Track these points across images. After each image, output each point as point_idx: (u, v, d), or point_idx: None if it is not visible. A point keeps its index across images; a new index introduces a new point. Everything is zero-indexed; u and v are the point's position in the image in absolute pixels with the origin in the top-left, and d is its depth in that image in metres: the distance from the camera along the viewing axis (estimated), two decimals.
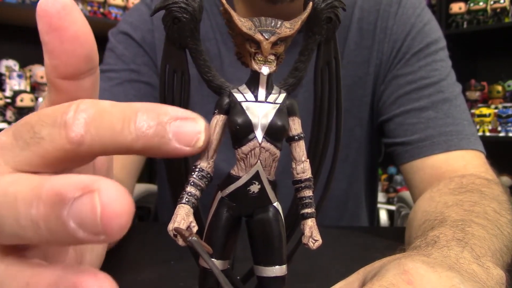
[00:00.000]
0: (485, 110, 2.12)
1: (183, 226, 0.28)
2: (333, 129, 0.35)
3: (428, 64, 0.70)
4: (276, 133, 0.30)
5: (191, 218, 0.29)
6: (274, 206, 0.31)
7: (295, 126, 0.31)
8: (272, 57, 0.29)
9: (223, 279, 0.25)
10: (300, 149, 0.31)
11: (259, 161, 0.30)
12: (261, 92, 0.30)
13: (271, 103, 0.30)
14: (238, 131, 0.30)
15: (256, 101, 0.30)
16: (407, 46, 0.71)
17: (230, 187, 0.31)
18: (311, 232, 0.30)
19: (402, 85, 0.70)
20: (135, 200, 0.96)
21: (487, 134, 2.10)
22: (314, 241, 0.30)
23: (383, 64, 0.73)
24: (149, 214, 1.24)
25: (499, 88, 2.23)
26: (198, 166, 0.31)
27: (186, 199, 0.29)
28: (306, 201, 0.31)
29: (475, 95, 2.24)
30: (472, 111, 2.13)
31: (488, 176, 0.61)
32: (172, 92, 0.34)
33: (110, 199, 0.18)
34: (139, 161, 0.72)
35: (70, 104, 0.22)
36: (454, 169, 0.63)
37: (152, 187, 1.23)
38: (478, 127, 2.11)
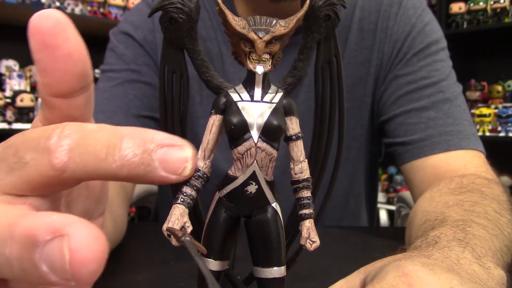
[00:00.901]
0: (485, 110, 2.12)
1: (177, 226, 0.28)
2: (335, 129, 0.34)
3: (429, 64, 0.70)
4: (272, 133, 0.29)
5: (186, 218, 0.29)
6: (273, 207, 0.31)
7: (293, 125, 0.30)
8: (267, 56, 0.29)
9: (210, 279, 0.25)
10: (298, 149, 0.31)
11: (255, 161, 0.30)
12: (257, 91, 0.30)
13: (267, 102, 0.30)
14: (233, 131, 0.29)
15: (252, 100, 0.30)
16: (407, 46, 0.71)
17: (227, 188, 0.31)
18: (309, 233, 0.29)
19: (402, 85, 0.70)
20: (135, 200, 0.95)
21: (487, 134, 2.10)
22: (311, 243, 0.30)
23: (383, 64, 0.73)
24: (149, 214, 1.24)
25: (499, 88, 2.23)
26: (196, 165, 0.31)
27: (181, 199, 0.29)
28: (304, 201, 0.30)
29: (475, 95, 2.24)
30: (472, 111, 2.13)
31: (488, 176, 0.61)
32: (171, 93, 0.34)
33: (79, 245, 0.17)
34: None
35: (54, 128, 0.21)
36: (455, 169, 0.63)
37: (152, 187, 1.23)
38: (478, 127, 2.11)
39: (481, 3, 2.20)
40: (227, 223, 0.31)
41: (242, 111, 0.30)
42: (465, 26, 2.27)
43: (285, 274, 0.31)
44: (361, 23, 0.74)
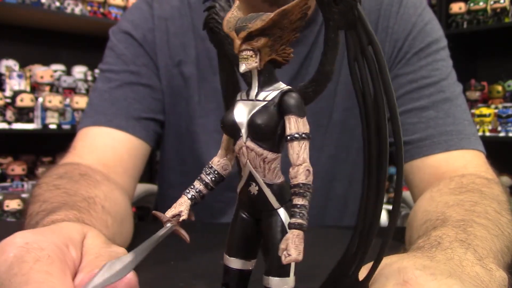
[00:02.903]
0: (485, 110, 2.12)
1: (170, 213, 0.30)
2: (386, 127, 0.28)
3: (429, 63, 0.70)
4: (256, 132, 0.28)
5: (182, 208, 0.30)
6: (278, 213, 0.30)
7: (290, 125, 0.28)
8: (249, 53, 0.28)
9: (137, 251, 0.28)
10: (293, 151, 0.28)
11: (248, 161, 0.29)
12: (253, 90, 0.29)
13: (260, 101, 0.29)
14: (224, 130, 0.30)
15: (247, 99, 0.29)
16: (408, 46, 0.71)
17: (238, 186, 0.31)
18: (286, 245, 0.26)
19: (403, 85, 0.70)
20: (135, 200, 0.95)
21: (487, 134, 2.09)
22: (286, 255, 0.26)
23: None
24: (149, 214, 1.24)
25: (499, 88, 2.23)
26: (210, 162, 0.32)
27: (187, 191, 0.31)
28: (294, 209, 0.27)
29: (475, 95, 2.23)
30: (472, 111, 2.13)
31: (488, 175, 0.61)
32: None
33: None
34: (140, 166, 0.72)
35: None
36: (454, 169, 0.63)
37: (152, 187, 1.23)
38: (478, 127, 2.10)
39: (481, 3, 2.20)
40: (244, 222, 0.31)
41: (234, 109, 0.29)
42: (465, 26, 2.27)
43: (286, 286, 0.29)
44: None
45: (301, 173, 0.27)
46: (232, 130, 0.29)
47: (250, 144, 0.29)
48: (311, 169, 0.27)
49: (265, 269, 0.30)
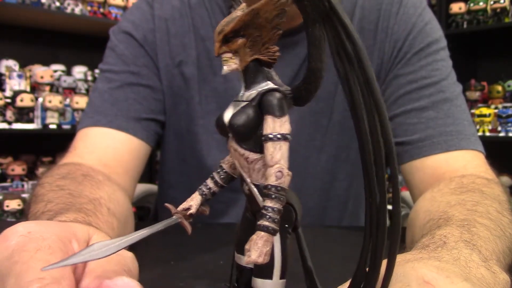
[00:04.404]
0: (485, 110, 2.12)
1: (181, 207, 0.32)
2: (378, 127, 0.26)
3: (429, 63, 0.70)
4: (234, 132, 0.28)
5: (192, 203, 0.32)
6: None
7: (266, 126, 0.27)
8: (228, 55, 0.28)
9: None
10: (267, 152, 0.27)
11: (236, 160, 0.30)
12: (241, 91, 0.29)
13: (244, 101, 0.29)
14: (218, 130, 0.30)
15: (237, 100, 0.29)
16: (408, 46, 0.71)
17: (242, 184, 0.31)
18: (249, 246, 0.26)
19: (402, 85, 0.70)
20: (135, 200, 0.95)
21: (487, 134, 2.09)
22: (248, 256, 0.26)
23: (384, 63, 0.73)
24: (149, 214, 1.24)
25: (499, 88, 2.23)
26: (221, 161, 0.33)
27: (200, 187, 0.33)
28: (262, 211, 0.26)
29: (475, 95, 2.23)
30: (472, 111, 2.13)
31: (488, 176, 0.61)
32: None
33: None
34: (141, 166, 0.72)
35: None
36: (454, 169, 0.63)
37: (152, 187, 1.23)
38: (478, 127, 2.10)
39: (481, 3, 2.20)
40: (248, 221, 0.31)
41: (226, 110, 0.30)
42: (465, 26, 2.27)
43: None
44: (361, 23, 0.73)
45: (272, 175, 0.26)
46: (222, 130, 0.30)
47: (233, 144, 0.29)
48: (285, 170, 0.26)
49: (253, 270, 0.30)
